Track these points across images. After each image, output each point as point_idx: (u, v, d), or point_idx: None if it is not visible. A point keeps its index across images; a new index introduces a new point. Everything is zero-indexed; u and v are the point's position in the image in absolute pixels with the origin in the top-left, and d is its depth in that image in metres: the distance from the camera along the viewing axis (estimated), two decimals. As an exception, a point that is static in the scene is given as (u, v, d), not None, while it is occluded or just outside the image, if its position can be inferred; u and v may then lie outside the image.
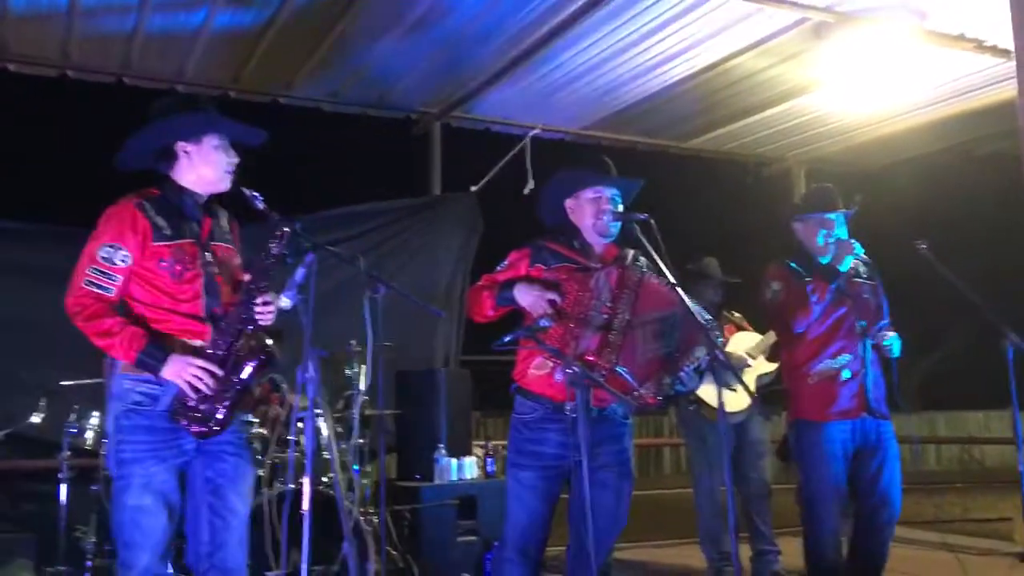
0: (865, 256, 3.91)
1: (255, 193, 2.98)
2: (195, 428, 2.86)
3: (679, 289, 3.15)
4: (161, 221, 2.91)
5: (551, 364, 3.29)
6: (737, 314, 5.55)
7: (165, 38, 5.26)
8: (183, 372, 2.81)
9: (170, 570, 2.90)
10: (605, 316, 3.25)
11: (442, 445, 5.34)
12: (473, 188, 6.56)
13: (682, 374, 3.29)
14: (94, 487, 4.19)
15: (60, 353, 4.98)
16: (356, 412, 4.59)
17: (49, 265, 5.20)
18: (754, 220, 8.10)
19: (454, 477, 5.31)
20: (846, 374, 3.85)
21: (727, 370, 3.16)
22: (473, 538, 5.19)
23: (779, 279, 3.98)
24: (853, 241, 3.90)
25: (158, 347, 2.81)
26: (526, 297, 3.29)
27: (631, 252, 3.43)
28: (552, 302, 3.24)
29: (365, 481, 4.84)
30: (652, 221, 3.24)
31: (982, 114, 6.40)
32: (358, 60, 5.62)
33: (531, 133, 6.50)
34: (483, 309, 3.44)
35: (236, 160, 3.03)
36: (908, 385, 3.94)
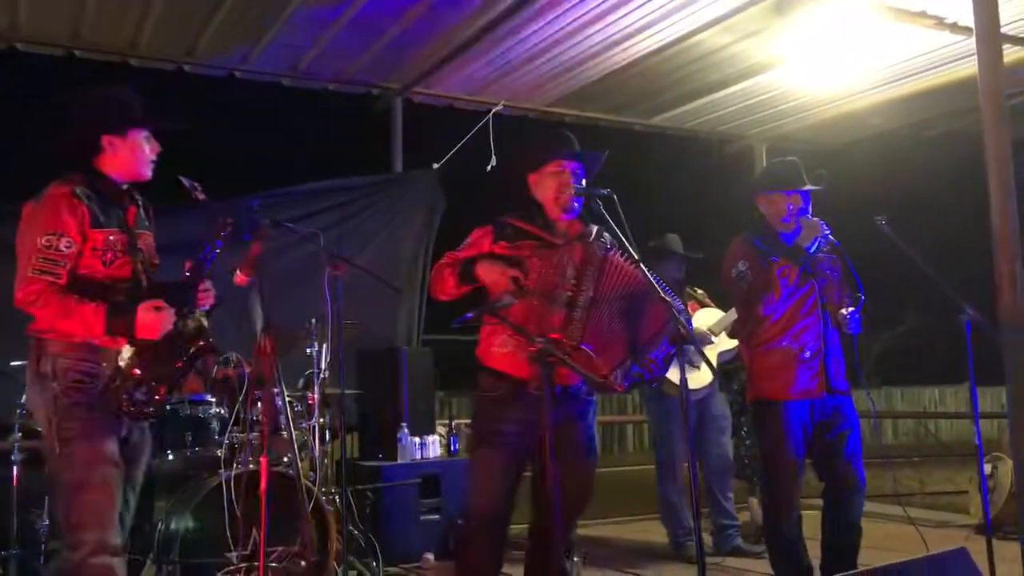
0: (829, 233, 3.89)
1: (195, 183, 3.00)
2: (131, 411, 2.87)
3: (642, 265, 3.13)
4: (95, 208, 2.92)
5: (515, 342, 3.27)
6: (700, 291, 5.57)
7: (119, 6, 5.10)
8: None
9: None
10: (569, 293, 3.22)
11: (405, 424, 5.31)
12: (435, 165, 6.50)
13: (651, 365, 3.27)
14: (47, 469, 4.09)
15: (6, 334, 4.89)
16: (316, 391, 4.55)
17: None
18: (717, 197, 8.13)
19: (417, 456, 5.29)
20: (807, 354, 3.85)
21: (691, 346, 3.15)
22: (436, 516, 5.18)
23: (744, 258, 3.92)
24: (819, 220, 3.88)
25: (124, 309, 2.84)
26: (489, 274, 3.26)
27: (595, 228, 3.41)
28: (515, 279, 3.21)
29: (326, 461, 4.79)
30: (615, 197, 3.21)
31: (939, 92, 6.45)
32: (317, 33, 5.50)
33: (494, 110, 6.44)
34: (445, 287, 3.40)
35: (158, 150, 3.08)
36: (868, 360, 3.96)
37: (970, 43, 4.94)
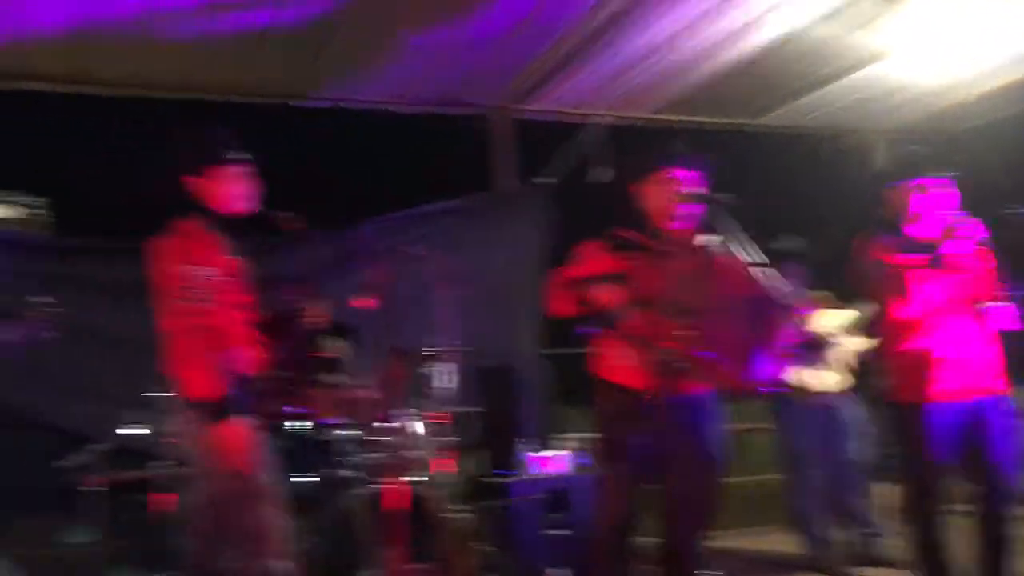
0: (966, 221, 3.67)
1: (287, 215, 3.24)
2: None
3: (761, 269, 3.07)
4: (221, 237, 3.11)
5: (633, 353, 3.25)
6: (824, 292, 5.40)
7: (228, 44, 5.35)
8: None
9: None
10: (685, 301, 3.19)
11: (528, 440, 5.33)
12: (546, 181, 6.52)
13: (775, 369, 3.19)
14: (193, 495, 4.29)
15: (152, 367, 5.18)
16: (439, 411, 4.62)
17: (139, 280, 5.41)
18: (834, 194, 7.87)
19: (541, 471, 5.29)
20: (946, 354, 3.63)
21: (818, 350, 3.07)
22: (565, 532, 5.17)
23: (873, 256, 3.75)
24: (953, 209, 3.68)
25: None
26: (602, 295, 3.25)
27: (710, 234, 3.36)
28: (627, 294, 3.20)
29: (452, 479, 4.86)
30: (732, 202, 3.16)
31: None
32: (420, 59, 5.62)
33: (601, 121, 6.42)
34: (559, 307, 3.42)
35: (253, 186, 3.20)
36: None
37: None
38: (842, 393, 5.13)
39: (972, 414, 3.64)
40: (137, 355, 5.17)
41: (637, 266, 3.29)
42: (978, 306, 3.67)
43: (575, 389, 7.82)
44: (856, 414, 5.25)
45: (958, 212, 3.66)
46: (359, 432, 4.35)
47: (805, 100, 6.75)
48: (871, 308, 4.05)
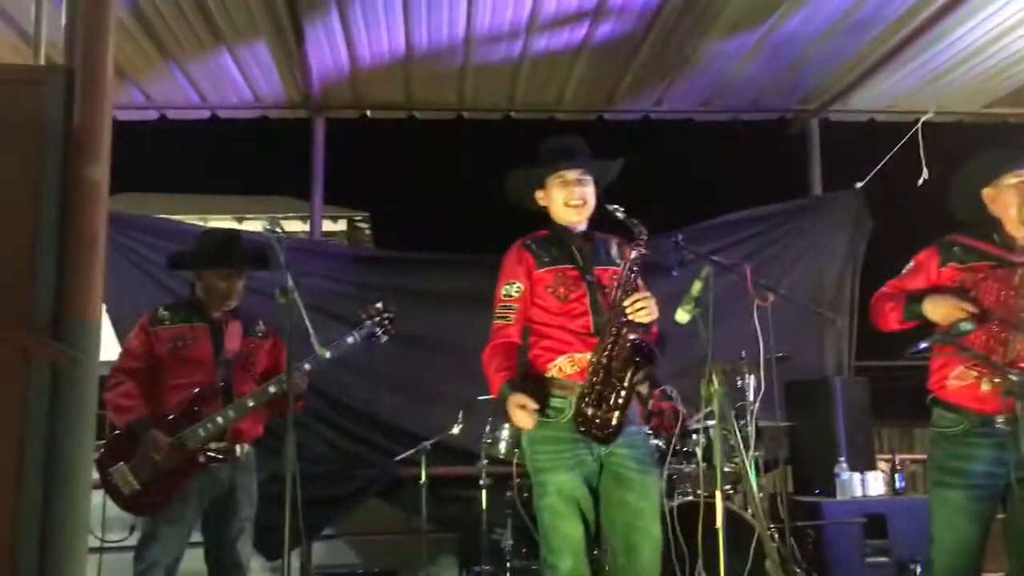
0: None
1: (616, 206, 3.12)
2: (596, 434, 2.97)
3: None
4: (542, 252, 3.16)
5: (975, 373, 2.98)
6: None
7: (546, 73, 5.56)
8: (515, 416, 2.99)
9: None
10: (1039, 317, 2.88)
11: (843, 459, 5.06)
12: (858, 184, 6.17)
13: None
14: (508, 493, 4.52)
15: (472, 371, 5.52)
16: (749, 424, 4.51)
17: (459, 291, 5.80)
18: None
19: (858, 493, 5.00)
20: None
21: None
22: (884, 559, 4.85)
23: None
24: None
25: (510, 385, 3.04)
26: (937, 311, 3.01)
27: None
28: (968, 313, 2.93)
29: (760, 495, 4.72)
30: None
31: None
32: (728, 65, 5.55)
33: (922, 118, 5.96)
34: (888, 322, 3.21)
35: (579, 195, 3.17)
36: None
37: None
38: None
39: None
40: (453, 360, 5.62)
41: (982, 277, 3.01)
42: None
43: (891, 406, 7.36)
44: None
45: None
46: (663, 443, 4.36)
47: None
48: None
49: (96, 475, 3.26)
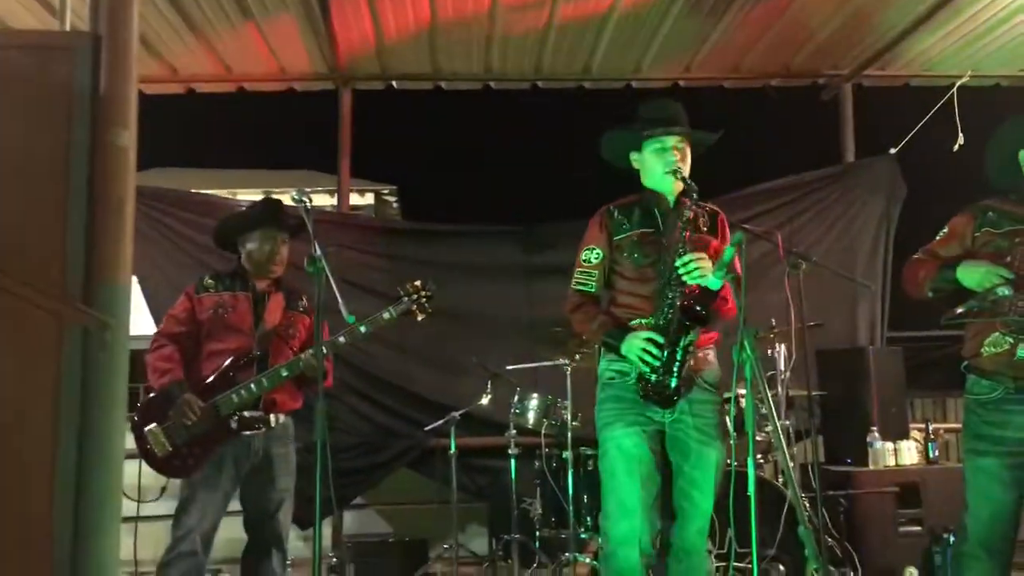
0: None
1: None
2: (655, 398, 2.97)
3: None
4: (623, 219, 3.14)
5: (1011, 340, 2.92)
6: None
7: (570, 31, 5.49)
8: (633, 347, 2.96)
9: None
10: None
11: (875, 428, 5.01)
12: (892, 150, 6.06)
13: None
14: (537, 463, 4.53)
15: (500, 342, 5.54)
16: (781, 392, 4.48)
17: (487, 262, 5.80)
18: None
19: (891, 462, 4.96)
20: None
21: None
22: (918, 528, 4.81)
23: None
24: None
25: (619, 329, 3.03)
26: (972, 277, 2.95)
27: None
28: (1004, 279, 2.87)
29: (792, 464, 4.70)
30: None
31: None
32: (759, 30, 5.46)
33: (958, 83, 5.83)
34: (920, 290, 3.14)
35: (674, 160, 3.07)
36: None
37: None
38: None
39: None
40: (481, 331, 5.63)
41: (1018, 242, 2.94)
42: None
43: (925, 375, 7.27)
44: None
45: None
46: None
47: None
48: None
49: (131, 443, 3.32)
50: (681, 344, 2.93)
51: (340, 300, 3.08)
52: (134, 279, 3.52)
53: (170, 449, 3.30)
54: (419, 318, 3.51)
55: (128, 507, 3.47)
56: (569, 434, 4.30)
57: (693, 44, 5.67)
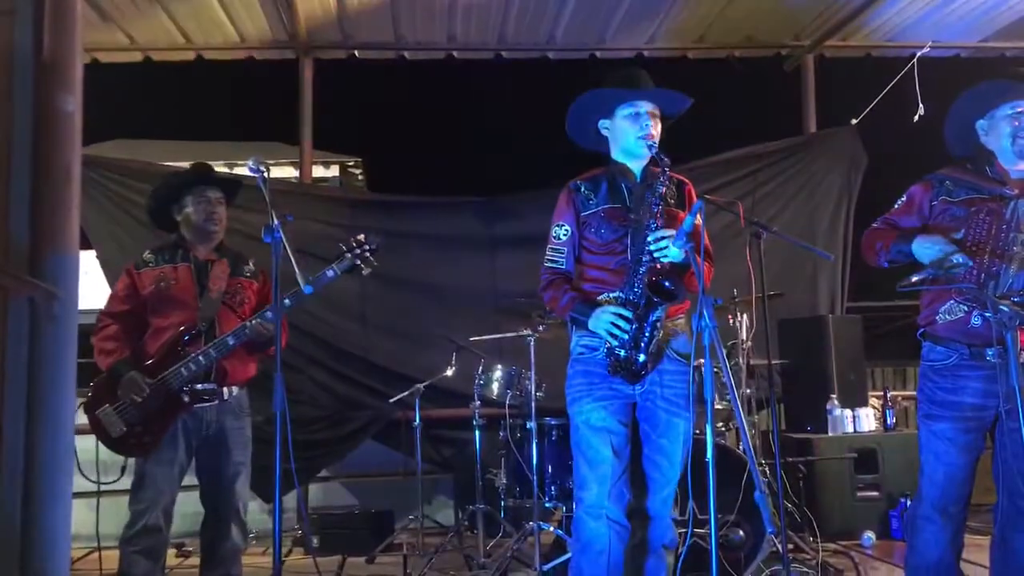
0: None
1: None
2: (623, 374, 2.97)
3: None
4: (590, 193, 3.09)
5: (965, 307, 2.96)
6: None
7: (536, 2, 5.45)
8: (601, 322, 2.95)
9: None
10: (1028, 250, 2.86)
11: (834, 396, 5.09)
12: (853, 121, 6.10)
13: None
14: (502, 433, 4.55)
15: (464, 313, 5.54)
16: (742, 361, 4.52)
17: (450, 233, 5.77)
18: None
19: (849, 429, 5.04)
20: None
21: None
22: (875, 493, 4.91)
23: None
24: None
25: (587, 304, 3.00)
26: (927, 252, 2.94)
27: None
28: (961, 243, 2.90)
29: (753, 432, 4.75)
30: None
31: None
32: (722, 1, 5.45)
33: (919, 53, 5.87)
34: (877, 259, 3.16)
35: (648, 125, 3.01)
36: None
37: None
38: None
39: None
40: (443, 302, 5.62)
41: (974, 211, 2.97)
42: None
43: (884, 344, 7.38)
44: None
45: None
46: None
47: None
48: None
49: (86, 419, 3.27)
50: (650, 320, 2.93)
51: (297, 269, 3.06)
52: (93, 253, 3.48)
53: (124, 429, 3.25)
54: (364, 272, 3.46)
55: (89, 483, 3.44)
56: (533, 404, 4.31)
57: (657, 14, 5.66)
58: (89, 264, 3.40)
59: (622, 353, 2.94)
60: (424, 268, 5.67)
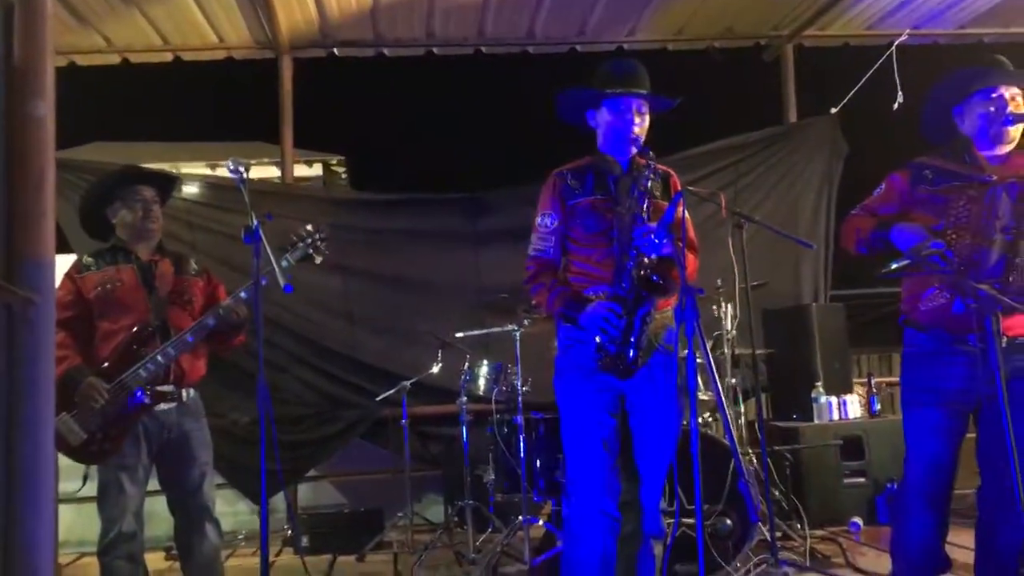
0: None
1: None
2: (612, 369, 2.96)
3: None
4: (577, 184, 3.08)
5: (947, 294, 2.98)
6: None
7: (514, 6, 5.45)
8: (593, 319, 2.94)
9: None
10: (1009, 237, 2.88)
11: (819, 384, 5.12)
12: (833, 110, 6.13)
13: None
14: (489, 429, 4.55)
15: (449, 309, 5.54)
16: (727, 351, 4.55)
17: (434, 230, 5.76)
18: None
19: (835, 416, 5.08)
20: None
21: None
22: (861, 480, 4.94)
23: None
24: None
25: (576, 301, 2.99)
26: (906, 241, 2.95)
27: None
28: (940, 230, 2.92)
29: (740, 422, 4.78)
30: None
31: None
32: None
33: (897, 41, 5.90)
34: (855, 247, 3.17)
35: (635, 123, 3.03)
36: None
37: None
38: None
39: None
40: (428, 299, 5.62)
41: (953, 197, 2.99)
42: None
43: (868, 331, 7.43)
44: None
45: None
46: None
47: None
48: None
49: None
50: (639, 314, 2.93)
51: (277, 269, 3.05)
52: (70, 257, 3.45)
53: (84, 436, 3.16)
54: (317, 261, 3.44)
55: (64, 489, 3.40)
56: (520, 399, 4.32)
57: (636, 7, 5.66)
58: (66, 267, 3.34)
59: (612, 348, 2.93)
60: (408, 265, 5.66)
